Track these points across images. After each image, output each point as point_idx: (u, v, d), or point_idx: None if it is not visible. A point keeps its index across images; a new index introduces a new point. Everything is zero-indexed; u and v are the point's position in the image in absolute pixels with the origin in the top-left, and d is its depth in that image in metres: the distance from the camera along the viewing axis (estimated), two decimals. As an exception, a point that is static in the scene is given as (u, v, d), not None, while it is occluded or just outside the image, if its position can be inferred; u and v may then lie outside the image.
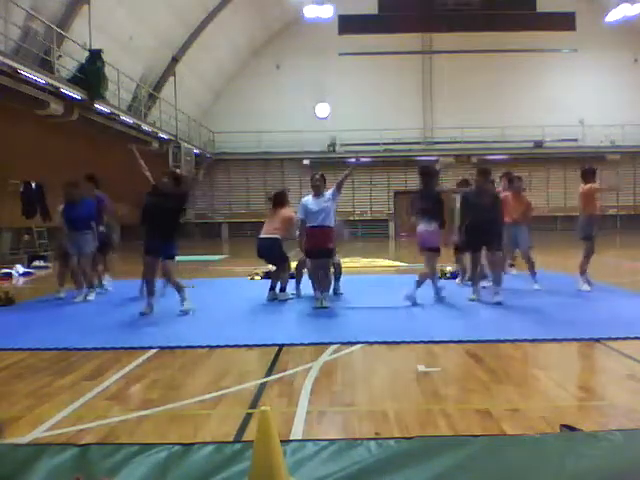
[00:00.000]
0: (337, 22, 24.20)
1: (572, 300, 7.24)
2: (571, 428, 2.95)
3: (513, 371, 4.33)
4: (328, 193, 7.06)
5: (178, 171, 7.98)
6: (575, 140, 27.28)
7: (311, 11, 23.19)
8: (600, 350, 4.88)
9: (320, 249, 6.97)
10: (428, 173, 7.53)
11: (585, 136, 27.18)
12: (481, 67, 27.31)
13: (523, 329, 5.50)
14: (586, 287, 7.84)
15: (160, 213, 6.64)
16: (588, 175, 8.01)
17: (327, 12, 23.25)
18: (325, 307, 6.86)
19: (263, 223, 7.86)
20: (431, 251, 7.16)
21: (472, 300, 7.16)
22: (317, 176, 7.12)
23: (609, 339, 5.06)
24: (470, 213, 7.23)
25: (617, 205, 26.91)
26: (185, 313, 6.66)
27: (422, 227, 7.17)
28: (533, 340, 5.09)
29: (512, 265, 9.62)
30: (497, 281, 7.13)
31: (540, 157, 27.07)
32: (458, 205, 7.76)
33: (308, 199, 7.08)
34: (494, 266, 7.22)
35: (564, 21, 24.41)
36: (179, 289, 6.83)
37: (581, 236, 7.97)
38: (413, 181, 25.39)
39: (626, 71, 27.63)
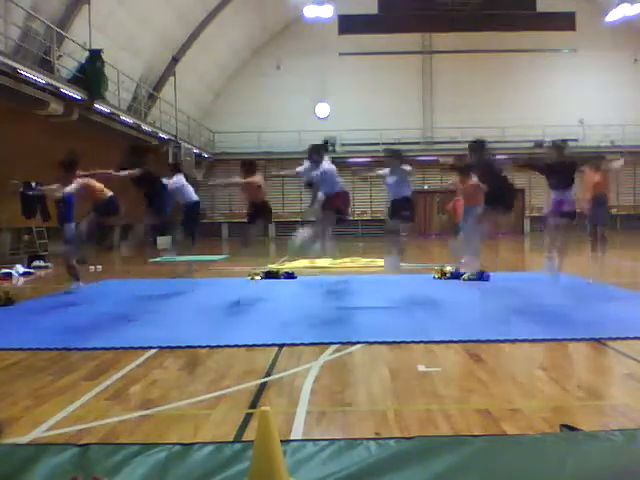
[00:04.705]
0: (337, 22, 24.18)
1: (572, 300, 7.23)
2: (571, 428, 2.95)
3: (513, 371, 4.33)
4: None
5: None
6: (575, 140, 27.23)
7: (311, 11, 23.17)
8: (600, 350, 4.88)
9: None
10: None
11: (585, 136, 27.15)
12: (481, 67, 27.30)
13: (523, 329, 5.49)
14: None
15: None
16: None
17: (327, 12, 23.24)
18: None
19: None
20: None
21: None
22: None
23: (609, 339, 5.06)
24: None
25: (617, 205, 26.89)
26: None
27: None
28: (533, 340, 5.09)
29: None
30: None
31: (540, 157, 27.01)
32: None
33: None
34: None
35: (564, 21, 24.38)
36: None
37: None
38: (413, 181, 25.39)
39: (626, 71, 27.63)
